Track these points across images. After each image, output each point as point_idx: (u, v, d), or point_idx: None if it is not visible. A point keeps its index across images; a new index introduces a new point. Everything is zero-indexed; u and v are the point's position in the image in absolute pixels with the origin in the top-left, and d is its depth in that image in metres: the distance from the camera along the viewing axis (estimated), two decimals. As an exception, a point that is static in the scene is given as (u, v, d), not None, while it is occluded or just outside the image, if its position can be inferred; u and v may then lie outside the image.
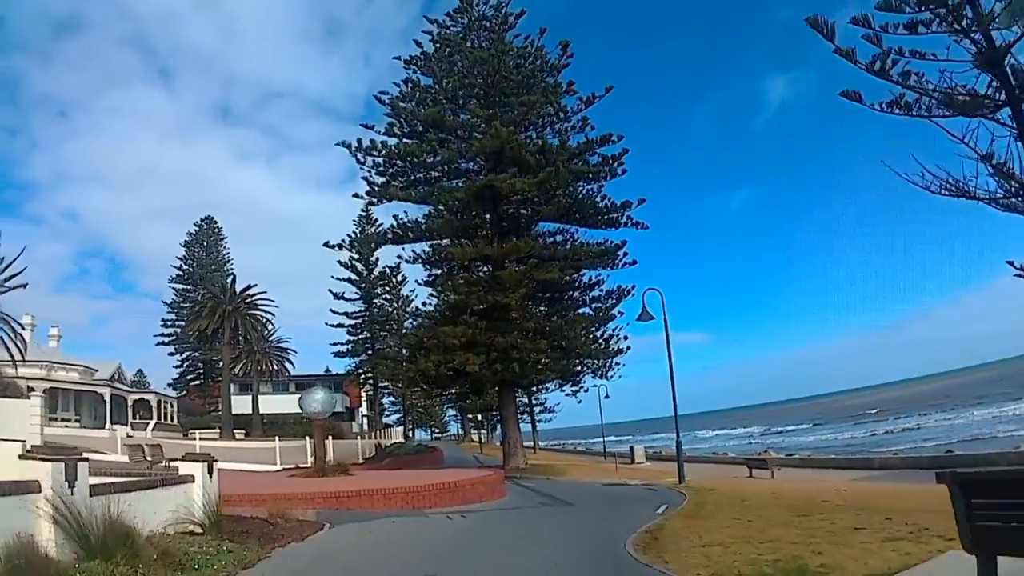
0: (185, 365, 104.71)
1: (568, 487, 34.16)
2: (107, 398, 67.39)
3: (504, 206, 47.64)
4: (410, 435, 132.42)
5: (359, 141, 46.24)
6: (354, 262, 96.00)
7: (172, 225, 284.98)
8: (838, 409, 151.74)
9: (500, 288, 43.55)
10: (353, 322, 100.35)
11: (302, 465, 42.32)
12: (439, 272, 50.40)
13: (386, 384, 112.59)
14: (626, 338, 49.05)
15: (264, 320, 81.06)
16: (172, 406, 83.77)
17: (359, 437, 77.50)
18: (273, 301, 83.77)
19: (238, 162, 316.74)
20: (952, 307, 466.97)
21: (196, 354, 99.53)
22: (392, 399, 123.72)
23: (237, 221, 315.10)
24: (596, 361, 49.45)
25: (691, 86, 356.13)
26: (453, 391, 56.32)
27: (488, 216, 48.22)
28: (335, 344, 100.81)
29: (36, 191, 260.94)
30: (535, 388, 65.93)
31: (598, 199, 47.93)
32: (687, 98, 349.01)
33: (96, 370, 75.27)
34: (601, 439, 72.74)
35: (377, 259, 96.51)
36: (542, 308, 49.98)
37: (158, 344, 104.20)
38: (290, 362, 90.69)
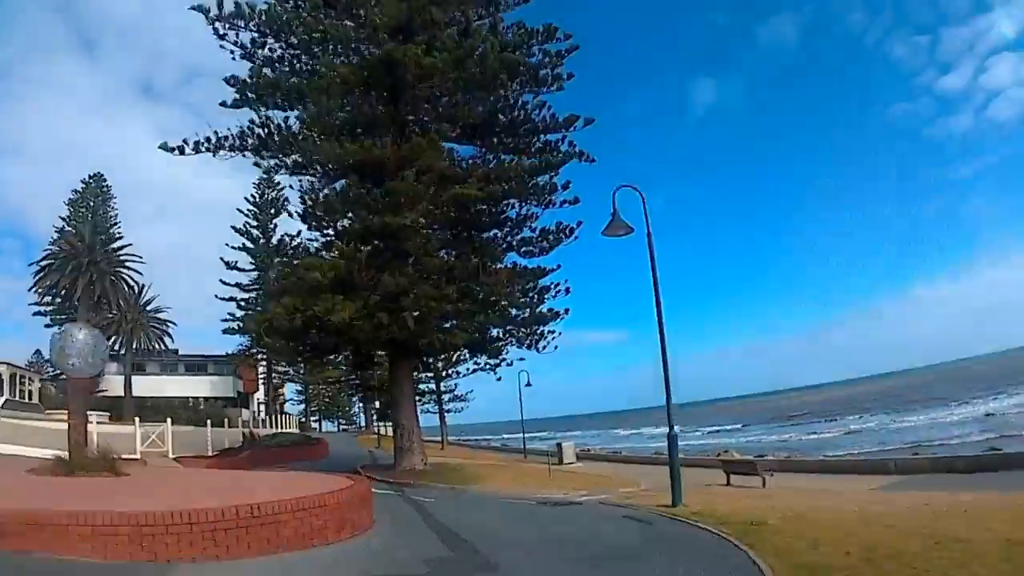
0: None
1: (485, 507, 21.87)
2: None
3: (407, 105, 33.89)
4: (315, 426, 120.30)
5: (220, 5, 31.70)
6: (249, 227, 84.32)
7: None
8: (759, 411, 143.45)
9: (393, 205, 30.05)
10: (246, 296, 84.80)
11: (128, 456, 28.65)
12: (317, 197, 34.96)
13: (286, 369, 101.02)
14: (567, 292, 35.68)
15: (133, 284, 67.32)
16: (30, 381, 69.44)
17: (247, 426, 63.73)
18: (142, 260, 70.85)
19: (158, 140, 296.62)
20: (865, 316, 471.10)
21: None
22: (298, 388, 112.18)
23: (158, 201, 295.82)
24: (522, 327, 36.13)
25: (619, 84, 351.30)
26: (326, 358, 42.54)
27: (383, 110, 33.44)
28: (226, 320, 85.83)
29: None
30: (441, 362, 54.10)
31: (534, 112, 34.46)
32: (615, 96, 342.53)
33: None
34: (520, 435, 60.18)
35: (276, 226, 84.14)
36: (451, 252, 34.49)
37: (34, 315, 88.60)
38: (169, 336, 75.72)
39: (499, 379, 39.75)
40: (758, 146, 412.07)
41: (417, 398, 41.96)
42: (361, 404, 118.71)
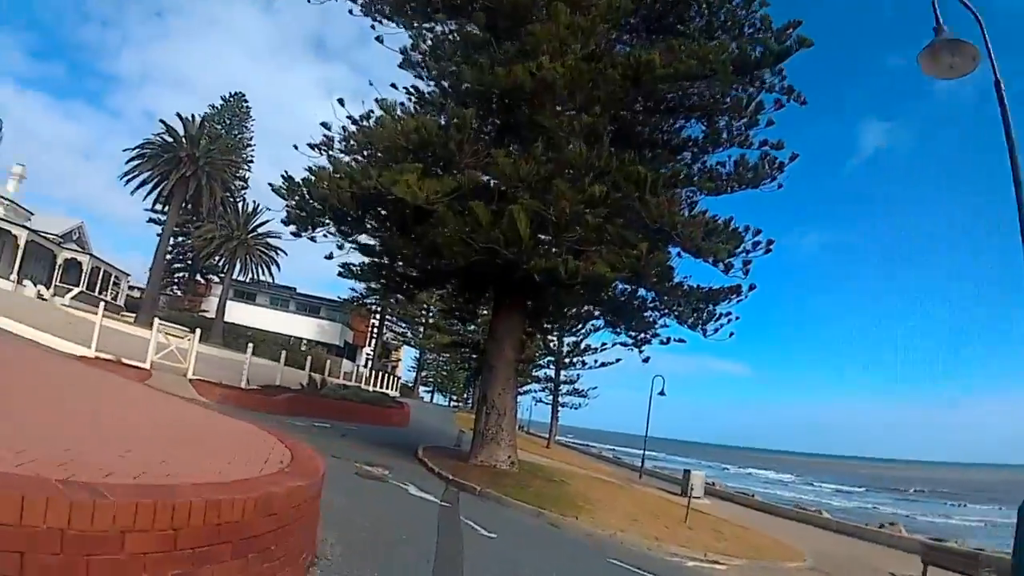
0: (174, 252, 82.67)
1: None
2: (22, 244, 49.44)
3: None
4: (424, 396, 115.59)
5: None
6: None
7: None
8: (868, 476, 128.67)
9: (527, 53, 19.08)
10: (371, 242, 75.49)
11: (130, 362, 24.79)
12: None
13: (403, 330, 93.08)
14: (770, 245, 21.00)
15: (239, 198, 59.16)
16: (120, 282, 63.39)
17: (349, 377, 58.58)
18: (247, 169, 63.39)
19: (323, 96, 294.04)
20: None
21: (181, 239, 76.65)
22: (416, 355, 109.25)
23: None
24: (685, 297, 23.19)
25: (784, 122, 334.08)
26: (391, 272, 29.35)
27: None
28: (344, 264, 77.17)
29: (120, 85, 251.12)
30: (557, 327, 43.01)
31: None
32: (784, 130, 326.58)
33: (31, 213, 56.98)
34: (632, 450, 49.86)
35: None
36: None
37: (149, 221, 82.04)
38: (276, 265, 68.10)
39: (646, 359, 26.41)
40: (922, 193, 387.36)
41: (522, 377, 31.04)
42: (471, 380, 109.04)
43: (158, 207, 61.32)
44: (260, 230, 64.63)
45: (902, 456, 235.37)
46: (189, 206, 57.82)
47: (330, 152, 21.49)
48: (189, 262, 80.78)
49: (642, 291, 23.76)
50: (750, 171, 21.15)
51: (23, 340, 23.44)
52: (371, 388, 58.23)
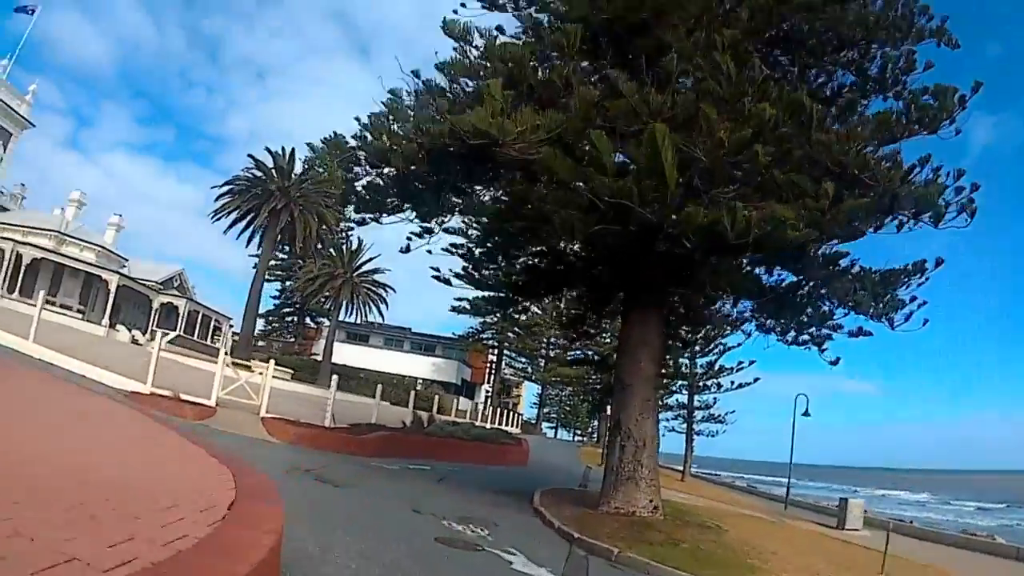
0: (282, 297, 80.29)
1: None
2: (112, 288, 49.49)
3: None
4: (548, 432, 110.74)
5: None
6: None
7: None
8: (1005, 490, 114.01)
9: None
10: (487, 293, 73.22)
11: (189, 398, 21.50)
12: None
13: (523, 365, 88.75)
14: (974, 193, 13.90)
15: (333, 222, 55.42)
16: (221, 326, 61.15)
17: (462, 415, 52.92)
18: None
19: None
20: None
21: (288, 283, 74.09)
22: (538, 390, 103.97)
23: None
24: (860, 282, 16.62)
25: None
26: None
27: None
28: (456, 298, 75.90)
29: (229, 146, 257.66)
30: (701, 344, 37.50)
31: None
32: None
33: (125, 259, 58.12)
34: (761, 476, 44.03)
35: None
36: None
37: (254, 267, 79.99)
38: (384, 303, 64.19)
39: (835, 362, 19.42)
40: None
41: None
42: (596, 411, 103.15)
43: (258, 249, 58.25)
44: (366, 267, 61.59)
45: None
46: (283, 242, 54.28)
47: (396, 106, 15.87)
48: (297, 306, 78.25)
49: (792, 278, 17.90)
50: (929, 109, 15.02)
51: (65, 373, 20.99)
52: (488, 425, 53.45)
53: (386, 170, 16.26)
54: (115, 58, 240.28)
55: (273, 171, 51.56)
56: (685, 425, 52.47)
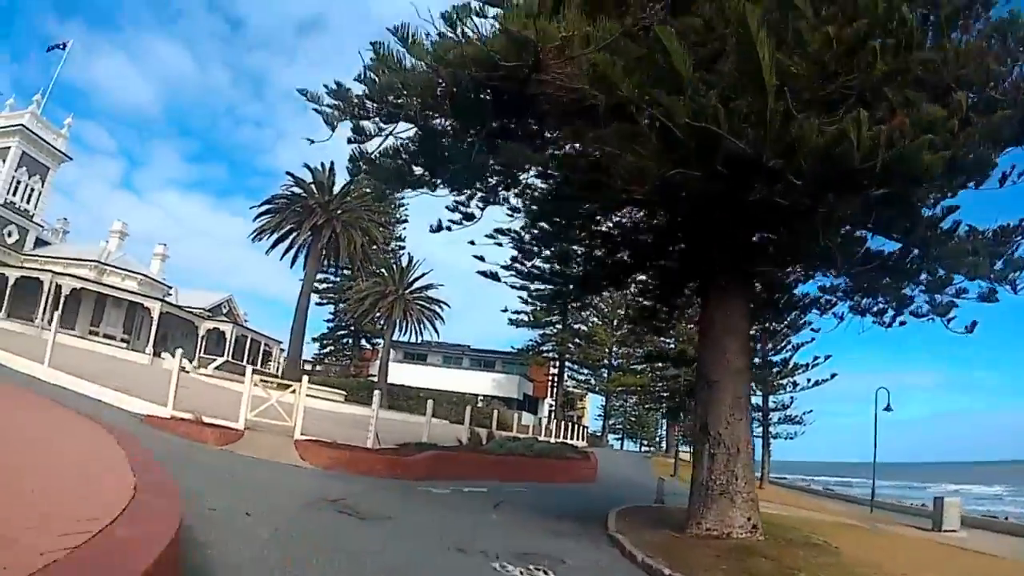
0: (336, 319, 78.27)
1: None
2: (155, 316, 48.54)
3: None
4: (613, 444, 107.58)
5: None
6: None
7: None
8: None
9: None
10: (540, 287, 70.52)
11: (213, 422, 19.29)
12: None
13: (586, 376, 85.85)
14: None
15: (379, 238, 53.28)
16: (272, 349, 59.21)
17: (525, 431, 51.45)
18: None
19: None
20: None
21: (341, 305, 71.90)
22: (602, 402, 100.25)
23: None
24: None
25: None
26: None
27: None
28: (513, 311, 73.20)
29: (281, 178, 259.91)
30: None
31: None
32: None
33: (169, 287, 59.09)
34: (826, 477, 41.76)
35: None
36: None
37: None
38: (441, 319, 61.82)
39: (971, 327, 15.16)
40: None
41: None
42: (664, 420, 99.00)
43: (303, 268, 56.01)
44: (418, 284, 59.31)
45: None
46: (329, 260, 51.91)
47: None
48: (352, 328, 76.18)
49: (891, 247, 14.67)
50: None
51: (75, 398, 19.17)
52: (552, 439, 50.58)
53: (402, 126, 13.34)
54: (162, 99, 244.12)
55: (312, 186, 49.47)
56: (760, 428, 49.12)
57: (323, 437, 20.04)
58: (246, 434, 18.57)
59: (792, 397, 48.68)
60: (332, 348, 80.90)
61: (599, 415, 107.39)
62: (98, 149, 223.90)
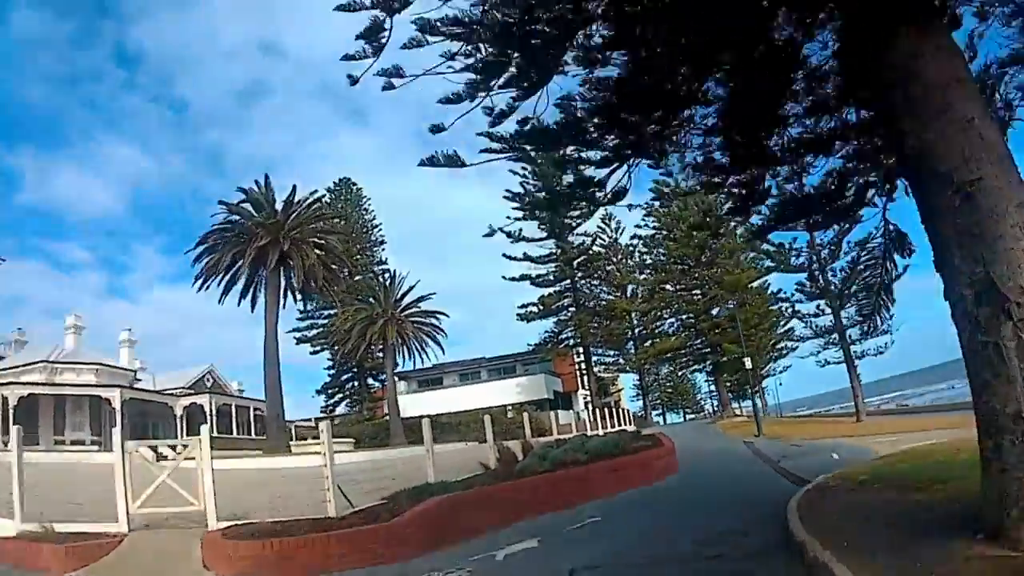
0: (338, 364, 70.19)
1: None
2: (116, 404, 40.64)
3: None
4: (657, 419, 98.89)
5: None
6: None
7: (395, 254, 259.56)
8: None
9: None
10: (542, 269, 66.99)
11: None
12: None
13: (614, 356, 77.84)
14: None
15: (336, 247, 45.67)
16: (250, 412, 53.79)
17: (564, 430, 40.42)
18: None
19: (452, 180, 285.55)
20: None
21: (336, 348, 63.58)
22: (635, 381, 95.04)
23: (466, 239, 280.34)
24: None
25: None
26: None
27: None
28: (521, 306, 67.80)
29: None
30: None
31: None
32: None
33: (135, 371, 52.19)
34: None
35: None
36: None
37: (298, 342, 71.95)
38: (443, 332, 55.17)
39: None
40: None
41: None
42: (711, 380, 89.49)
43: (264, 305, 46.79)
44: (408, 299, 52.78)
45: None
46: (291, 291, 43.01)
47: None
48: (354, 368, 67.97)
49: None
50: None
51: None
52: (601, 431, 42.39)
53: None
54: (125, 199, 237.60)
55: (249, 206, 41.02)
56: (841, 352, 40.33)
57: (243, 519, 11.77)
58: (130, 539, 11.21)
59: (872, 305, 38.62)
60: (340, 396, 72.76)
61: (636, 394, 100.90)
62: (77, 266, 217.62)
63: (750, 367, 35.42)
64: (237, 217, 40.72)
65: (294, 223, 40.36)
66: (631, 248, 74.72)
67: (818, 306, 40.76)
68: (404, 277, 53.55)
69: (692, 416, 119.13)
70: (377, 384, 71.31)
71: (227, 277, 39.76)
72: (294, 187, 41.98)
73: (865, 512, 8.64)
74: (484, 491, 14.02)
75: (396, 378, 66.10)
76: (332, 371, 71.92)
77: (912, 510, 8.08)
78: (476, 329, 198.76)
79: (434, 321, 53.81)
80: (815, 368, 49.45)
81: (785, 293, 56.85)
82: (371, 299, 52.38)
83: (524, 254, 64.92)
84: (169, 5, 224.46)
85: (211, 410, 45.12)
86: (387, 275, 59.36)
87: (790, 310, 55.28)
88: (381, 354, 54.87)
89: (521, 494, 14.36)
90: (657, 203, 65.17)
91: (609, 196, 11.16)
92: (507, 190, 60.97)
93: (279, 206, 41.04)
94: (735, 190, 11.44)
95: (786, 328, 63.98)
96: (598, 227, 72.47)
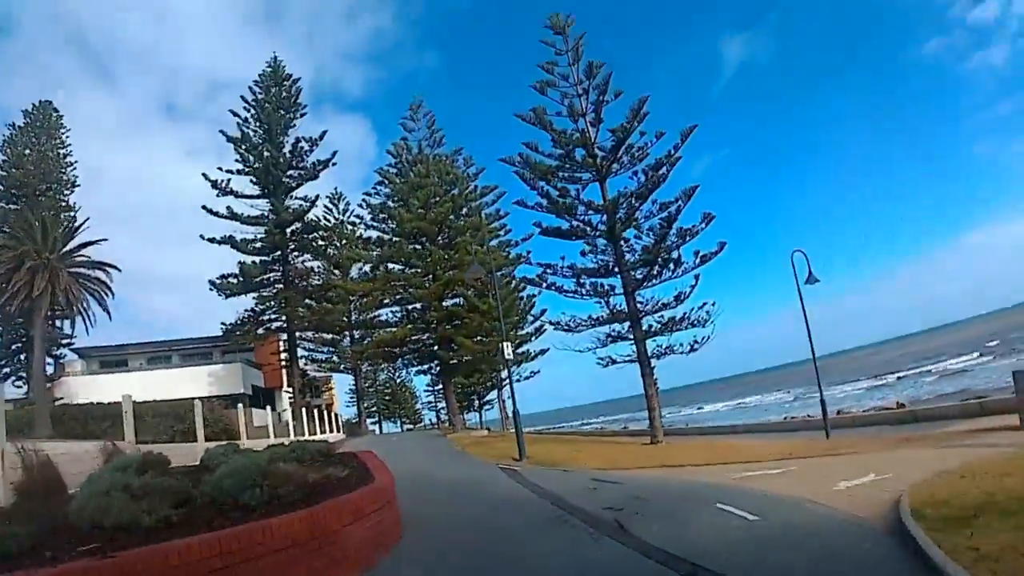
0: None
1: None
2: None
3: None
4: (372, 428, 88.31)
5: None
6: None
7: (125, 228, 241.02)
8: (856, 369, 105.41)
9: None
10: (249, 233, 53.13)
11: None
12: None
13: (327, 355, 65.09)
14: None
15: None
16: None
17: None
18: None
19: (188, 159, 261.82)
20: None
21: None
22: (351, 384, 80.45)
23: (198, 222, 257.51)
24: None
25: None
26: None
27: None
28: (221, 276, 53.82)
29: None
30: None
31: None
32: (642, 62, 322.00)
33: None
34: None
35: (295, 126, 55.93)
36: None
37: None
38: (110, 291, 41.66)
39: None
40: (792, 99, 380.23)
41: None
42: (435, 387, 78.15)
43: None
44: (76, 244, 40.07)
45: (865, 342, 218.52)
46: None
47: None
48: (23, 336, 50.36)
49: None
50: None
51: None
52: (296, 436, 30.77)
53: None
54: None
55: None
56: (635, 348, 28.61)
57: None
58: None
59: (681, 292, 28.47)
60: (8, 371, 53.92)
61: (350, 400, 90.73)
62: None
63: (510, 356, 23.76)
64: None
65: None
66: (358, 220, 60.94)
67: (598, 284, 29.19)
68: (74, 214, 43.35)
69: (410, 427, 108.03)
70: (50, 359, 53.78)
71: None
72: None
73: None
74: None
75: (77, 355, 58.74)
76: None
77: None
78: (196, 320, 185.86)
79: (101, 275, 40.03)
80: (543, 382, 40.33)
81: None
82: (26, 233, 36.99)
83: (228, 209, 50.94)
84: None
85: None
86: (51, 213, 44.82)
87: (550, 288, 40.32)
88: (27, 306, 38.73)
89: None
90: (394, 167, 52.85)
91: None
92: (221, 130, 52.09)
93: None
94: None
95: (541, 321, 51.55)
96: (325, 207, 63.54)
